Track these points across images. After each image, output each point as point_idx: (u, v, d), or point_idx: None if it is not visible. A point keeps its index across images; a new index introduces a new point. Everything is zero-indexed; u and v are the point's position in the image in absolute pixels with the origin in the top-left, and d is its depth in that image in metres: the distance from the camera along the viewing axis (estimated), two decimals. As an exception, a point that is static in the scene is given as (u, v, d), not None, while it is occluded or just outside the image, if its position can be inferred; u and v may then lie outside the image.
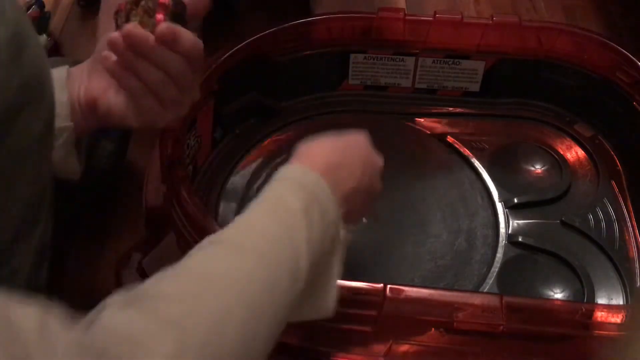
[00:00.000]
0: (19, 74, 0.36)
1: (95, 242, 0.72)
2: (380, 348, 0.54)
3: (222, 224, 0.64)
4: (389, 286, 0.52)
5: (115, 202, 0.76)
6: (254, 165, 0.74)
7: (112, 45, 0.45)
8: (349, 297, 0.52)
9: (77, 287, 0.68)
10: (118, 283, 0.56)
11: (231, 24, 0.96)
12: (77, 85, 0.48)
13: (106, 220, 0.74)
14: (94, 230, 0.73)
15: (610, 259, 0.66)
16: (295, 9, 0.93)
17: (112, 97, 0.46)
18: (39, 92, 0.38)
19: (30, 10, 0.90)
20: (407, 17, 0.76)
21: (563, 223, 0.69)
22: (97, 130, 0.50)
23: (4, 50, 0.35)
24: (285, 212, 0.42)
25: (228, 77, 0.71)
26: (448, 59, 0.78)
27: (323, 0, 0.88)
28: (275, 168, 0.73)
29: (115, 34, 0.45)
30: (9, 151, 0.37)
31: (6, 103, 0.36)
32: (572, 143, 0.77)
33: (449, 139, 0.77)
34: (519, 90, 0.80)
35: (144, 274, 0.56)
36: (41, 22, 0.91)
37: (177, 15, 0.47)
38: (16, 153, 0.38)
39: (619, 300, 0.64)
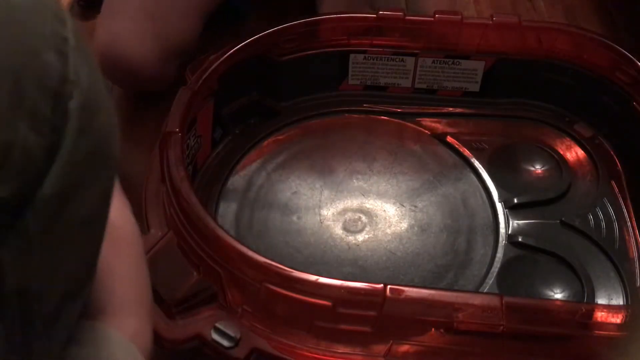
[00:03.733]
0: (85, 149, 0.33)
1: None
2: (380, 348, 0.54)
3: (222, 224, 0.64)
4: (389, 286, 0.52)
5: (115, 202, 0.76)
6: (254, 165, 0.74)
7: None
8: (349, 297, 0.52)
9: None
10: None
11: (233, 24, 0.96)
12: None
13: (106, 220, 0.74)
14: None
15: (610, 259, 0.66)
16: (295, 9, 0.93)
17: None
18: (101, 164, 0.36)
19: (30, 10, 0.90)
20: (407, 17, 0.76)
21: (563, 223, 0.69)
22: None
23: (73, 122, 0.32)
24: None
25: (228, 77, 0.71)
26: (448, 59, 0.78)
27: (325, 0, 0.88)
28: (275, 168, 0.74)
29: None
30: (58, 235, 0.33)
31: (65, 182, 0.32)
32: (572, 143, 0.77)
33: (449, 139, 0.77)
34: (519, 90, 0.80)
35: (144, 274, 0.56)
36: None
37: None
38: (64, 237, 0.34)
39: (619, 300, 0.64)
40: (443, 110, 0.80)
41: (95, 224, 0.38)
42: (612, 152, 0.75)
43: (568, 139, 0.78)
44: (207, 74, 0.68)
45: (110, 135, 0.37)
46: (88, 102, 0.33)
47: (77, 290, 0.38)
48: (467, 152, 0.75)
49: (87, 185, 0.35)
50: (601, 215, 0.70)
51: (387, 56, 0.78)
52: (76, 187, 0.33)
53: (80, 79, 0.33)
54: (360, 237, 0.68)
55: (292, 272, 0.53)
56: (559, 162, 0.75)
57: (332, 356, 0.54)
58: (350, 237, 0.68)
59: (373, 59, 0.79)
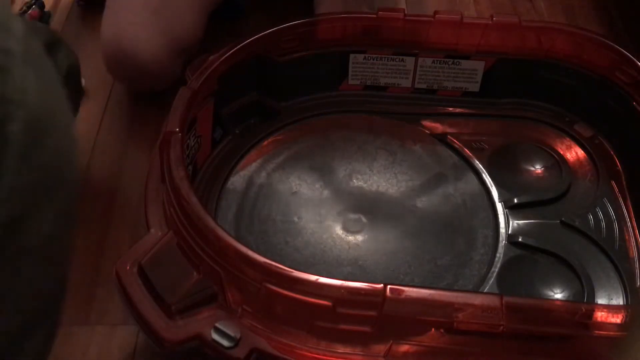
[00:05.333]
0: (31, 176, 0.30)
1: (95, 242, 0.72)
2: (380, 348, 0.54)
3: (222, 224, 0.64)
4: (389, 286, 0.52)
5: (115, 202, 0.76)
6: (254, 165, 0.74)
7: None
8: (349, 297, 0.52)
9: (77, 287, 0.68)
10: (118, 283, 0.56)
11: (233, 23, 0.96)
12: None
13: (106, 221, 0.74)
14: (94, 231, 0.73)
15: (610, 259, 0.66)
16: (295, 9, 0.93)
17: None
18: (53, 188, 0.32)
19: (30, 10, 0.90)
20: (407, 17, 0.76)
21: (563, 223, 0.69)
22: None
23: (14, 148, 0.29)
24: None
25: (228, 77, 0.71)
26: (448, 59, 0.78)
27: (325, 1, 0.88)
28: (275, 168, 0.74)
29: None
30: (7, 262, 0.31)
31: (7, 213, 0.29)
32: (572, 143, 0.77)
33: (449, 139, 0.77)
34: (519, 90, 0.80)
35: (144, 274, 0.56)
36: (41, 21, 0.91)
37: None
38: (17, 262, 0.32)
39: (619, 300, 0.64)
40: (443, 110, 0.80)
41: (53, 251, 0.34)
42: (612, 152, 0.75)
43: (568, 139, 0.78)
44: (207, 74, 0.68)
45: (65, 156, 0.33)
46: (36, 123, 0.29)
47: (36, 322, 0.35)
48: (467, 152, 0.75)
49: (39, 211, 0.31)
50: (601, 215, 0.70)
51: (387, 56, 0.78)
52: (25, 214, 0.30)
53: (26, 97, 0.29)
54: (360, 237, 0.68)
55: (292, 272, 0.53)
56: (559, 162, 0.75)
57: (332, 356, 0.54)
58: (350, 237, 0.68)
59: (373, 59, 0.79)
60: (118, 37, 0.79)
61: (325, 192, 0.72)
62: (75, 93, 0.72)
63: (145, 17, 0.79)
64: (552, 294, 0.64)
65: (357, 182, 0.73)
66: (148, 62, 0.79)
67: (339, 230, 0.69)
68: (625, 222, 0.69)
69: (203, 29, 0.86)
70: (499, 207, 0.70)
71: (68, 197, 0.34)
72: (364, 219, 0.70)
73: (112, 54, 0.80)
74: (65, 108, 0.33)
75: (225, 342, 0.53)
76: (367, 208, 0.71)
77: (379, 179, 0.74)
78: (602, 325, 0.52)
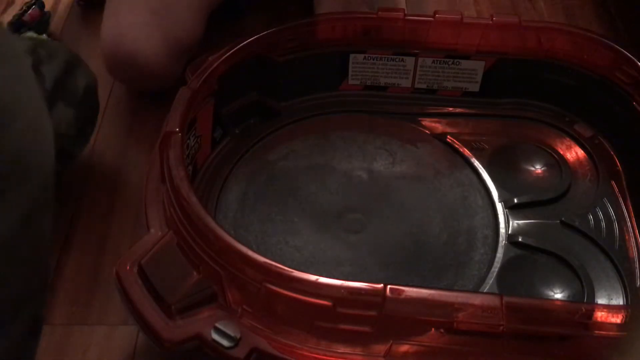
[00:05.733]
0: None
1: (94, 242, 0.72)
2: (380, 348, 0.54)
3: (222, 224, 0.64)
4: (389, 286, 0.52)
5: (115, 202, 0.76)
6: (254, 165, 0.74)
7: None
8: (349, 297, 0.52)
9: (77, 287, 0.68)
10: (118, 283, 0.56)
11: (234, 24, 0.96)
12: None
13: (106, 221, 0.74)
14: (94, 231, 0.73)
15: (610, 259, 0.66)
16: (295, 9, 0.93)
17: None
18: (16, 179, 0.31)
19: (30, 10, 0.90)
20: (407, 17, 0.76)
21: (563, 223, 0.69)
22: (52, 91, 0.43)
23: None
24: None
25: (228, 77, 0.71)
26: (448, 59, 0.78)
27: (324, 1, 0.88)
28: (276, 168, 0.74)
29: None
30: None
31: None
32: (572, 143, 0.77)
33: (449, 139, 0.77)
34: (519, 90, 0.80)
35: (144, 274, 0.56)
36: (41, 22, 0.91)
37: None
38: None
39: (619, 300, 0.64)
40: (443, 110, 0.80)
41: (19, 245, 0.33)
42: (612, 152, 0.75)
43: (568, 139, 0.78)
44: (207, 74, 0.68)
45: (31, 144, 0.32)
46: None
47: (6, 318, 0.34)
48: (467, 152, 0.75)
49: (3, 201, 0.30)
50: (601, 215, 0.70)
51: (387, 56, 0.78)
52: None
53: None
54: (360, 237, 0.68)
55: (292, 272, 0.53)
56: (559, 162, 0.75)
57: (332, 356, 0.54)
58: (350, 237, 0.68)
59: (373, 59, 0.79)
60: (118, 38, 0.79)
61: (326, 192, 0.72)
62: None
63: (145, 18, 0.79)
64: (552, 294, 0.64)
65: (357, 182, 0.73)
66: (148, 62, 0.79)
67: (339, 230, 0.69)
68: (625, 222, 0.69)
69: (203, 29, 0.86)
70: (499, 207, 0.70)
71: (37, 187, 0.33)
72: (364, 219, 0.70)
73: (112, 54, 0.80)
74: (35, 96, 0.32)
75: (225, 342, 0.53)
76: (367, 208, 0.71)
77: (379, 179, 0.74)
78: (602, 325, 0.52)
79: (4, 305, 0.34)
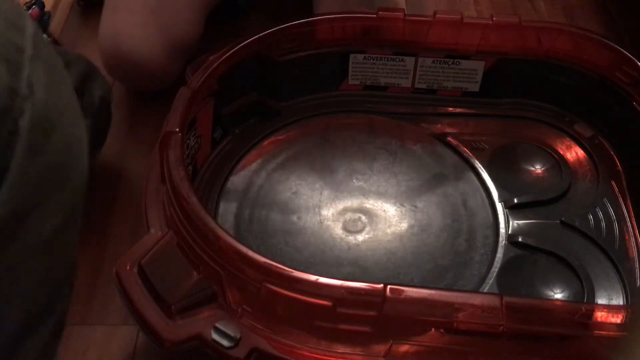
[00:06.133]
0: (37, 169, 0.30)
1: (95, 242, 0.72)
2: (380, 348, 0.54)
3: (222, 224, 0.64)
4: (389, 286, 0.52)
5: (115, 202, 0.76)
6: (254, 165, 0.74)
7: None
8: (349, 297, 0.52)
9: (77, 287, 0.68)
10: (118, 283, 0.56)
11: (233, 24, 0.96)
12: None
13: (106, 221, 0.74)
14: (94, 231, 0.73)
15: (610, 259, 0.66)
16: (295, 9, 0.93)
17: None
18: (59, 183, 0.33)
19: (30, 10, 0.90)
20: (407, 17, 0.76)
21: (563, 223, 0.69)
22: None
23: (22, 142, 0.29)
24: None
25: (228, 77, 0.71)
26: (448, 59, 0.78)
27: (324, 1, 0.88)
28: (275, 168, 0.74)
29: None
30: (11, 258, 0.31)
31: (12, 207, 0.29)
32: (572, 143, 0.77)
33: (449, 139, 0.77)
34: (519, 90, 0.80)
35: (144, 274, 0.56)
36: (41, 22, 0.91)
37: None
38: (17, 263, 0.32)
39: (619, 300, 0.64)
40: (443, 110, 0.80)
41: (57, 248, 0.34)
42: (612, 152, 0.75)
43: (568, 139, 0.78)
44: (207, 74, 0.68)
45: (70, 154, 0.33)
46: (43, 119, 0.30)
47: (39, 318, 0.35)
48: (467, 152, 0.75)
49: (43, 208, 0.31)
50: (601, 215, 0.70)
51: (387, 56, 0.78)
52: (29, 209, 0.30)
53: (34, 93, 0.29)
54: (360, 237, 0.68)
55: (292, 272, 0.53)
56: (559, 162, 0.75)
57: (332, 356, 0.54)
58: (350, 237, 0.68)
59: (373, 59, 0.79)
60: (116, 37, 0.79)
61: (325, 192, 0.72)
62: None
63: (143, 17, 0.79)
64: (552, 294, 0.64)
65: (357, 182, 0.73)
66: (146, 62, 0.79)
67: (339, 230, 0.69)
68: (625, 222, 0.69)
69: (202, 29, 0.86)
70: (499, 207, 0.70)
71: (73, 195, 0.34)
72: (364, 219, 0.70)
73: (110, 54, 0.80)
74: (74, 106, 0.33)
75: (225, 342, 0.53)
76: (367, 208, 0.71)
77: (379, 179, 0.74)
78: (602, 325, 0.52)
79: (39, 306, 0.35)
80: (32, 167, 0.30)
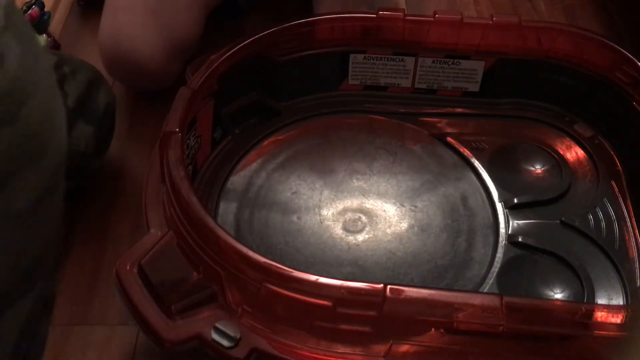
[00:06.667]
0: (8, 139, 0.31)
1: (94, 242, 0.72)
2: (380, 348, 0.54)
3: (222, 224, 0.64)
4: (389, 286, 0.52)
5: (115, 202, 0.76)
6: (254, 165, 0.74)
7: None
8: (349, 297, 0.52)
9: (77, 287, 0.68)
10: (119, 283, 0.56)
11: (234, 24, 0.96)
12: None
13: (106, 221, 0.74)
14: (94, 231, 0.73)
15: (610, 259, 0.66)
16: (295, 9, 0.93)
17: None
18: (35, 153, 0.33)
19: (30, 10, 0.90)
20: (407, 17, 0.76)
21: (563, 223, 0.69)
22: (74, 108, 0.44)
23: None
24: None
25: (228, 77, 0.71)
26: (448, 59, 0.78)
27: (324, 1, 0.88)
28: (275, 168, 0.74)
29: None
30: None
31: None
32: (572, 143, 0.77)
33: (449, 139, 0.77)
34: (519, 90, 0.80)
35: (144, 274, 0.56)
36: (41, 22, 0.91)
37: None
38: None
39: (619, 300, 0.64)
40: (443, 110, 0.80)
41: (35, 221, 0.35)
42: (612, 152, 0.75)
43: (568, 139, 0.78)
44: (207, 74, 0.68)
45: (46, 127, 0.33)
46: (13, 89, 0.30)
47: (16, 293, 0.35)
48: (467, 152, 0.75)
49: (18, 178, 0.32)
50: (601, 215, 0.70)
51: (387, 56, 0.78)
52: (2, 179, 0.31)
53: (4, 62, 0.30)
54: (360, 237, 0.68)
55: (292, 272, 0.53)
56: (559, 162, 0.75)
57: (332, 356, 0.54)
58: (350, 237, 0.68)
59: (373, 59, 0.79)
60: (116, 37, 0.79)
61: (325, 192, 0.72)
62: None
63: (143, 17, 0.79)
64: (552, 294, 0.64)
65: (357, 182, 0.73)
66: (145, 61, 0.79)
67: (339, 230, 0.69)
68: (625, 222, 0.69)
69: (201, 29, 0.86)
70: (499, 207, 0.70)
71: (52, 163, 0.34)
72: (364, 219, 0.70)
73: (110, 54, 0.80)
74: (49, 79, 0.33)
75: (225, 342, 0.53)
76: (367, 208, 0.71)
77: (379, 179, 0.74)
78: (602, 325, 0.52)
79: (15, 280, 0.35)
80: (3, 136, 0.30)
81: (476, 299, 0.53)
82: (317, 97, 0.81)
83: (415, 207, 0.71)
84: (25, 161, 0.32)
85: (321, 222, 0.69)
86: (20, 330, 0.37)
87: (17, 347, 0.37)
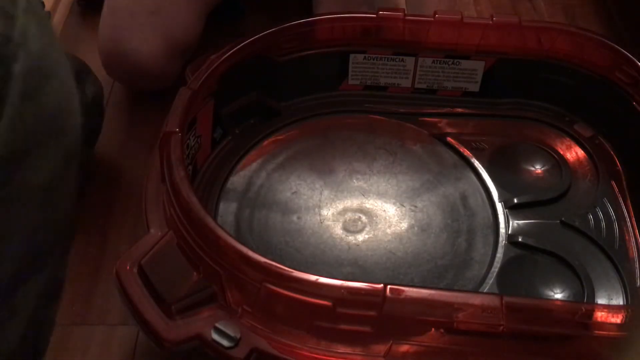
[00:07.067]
0: (33, 113, 0.32)
1: (94, 242, 0.72)
2: (380, 348, 0.54)
3: (222, 224, 0.64)
4: (389, 286, 0.52)
5: (115, 202, 0.76)
6: (254, 165, 0.74)
7: None
8: (349, 297, 0.52)
9: (77, 287, 0.68)
10: (119, 283, 0.56)
11: (233, 24, 0.96)
12: None
13: (106, 221, 0.74)
14: (94, 230, 0.73)
15: (610, 259, 0.66)
16: (295, 9, 0.93)
17: None
18: (55, 131, 0.34)
19: (30, 10, 0.90)
20: (407, 17, 0.76)
21: (563, 223, 0.69)
22: None
23: (17, 86, 0.31)
24: None
25: (228, 77, 0.71)
26: (448, 59, 0.78)
27: (324, 1, 0.88)
28: (275, 168, 0.74)
29: None
30: (8, 197, 0.32)
31: (10, 147, 0.31)
32: (572, 143, 0.77)
33: (449, 139, 0.77)
34: (519, 90, 0.80)
35: (144, 274, 0.56)
36: (41, 22, 0.91)
37: None
38: (14, 202, 0.33)
39: (619, 300, 0.64)
40: (443, 110, 0.80)
41: (54, 196, 0.36)
42: (612, 152, 0.75)
43: (568, 139, 0.78)
44: (207, 74, 0.68)
45: (65, 103, 0.35)
46: (37, 67, 0.32)
47: (30, 270, 0.36)
48: (467, 152, 0.75)
49: (39, 153, 0.33)
50: (601, 215, 0.70)
51: (387, 56, 0.78)
52: (25, 153, 0.32)
53: (28, 42, 0.31)
54: (360, 237, 0.68)
55: (292, 272, 0.53)
56: (559, 162, 0.75)
57: (332, 356, 0.54)
58: (350, 237, 0.68)
59: (373, 59, 0.79)
60: (115, 37, 0.79)
61: (325, 192, 0.72)
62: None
63: (142, 18, 0.79)
64: (552, 294, 0.64)
65: (357, 182, 0.73)
66: (144, 62, 0.79)
67: (339, 230, 0.69)
68: (625, 222, 0.69)
69: (201, 30, 0.86)
70: (499, 207, 0.70)
71: (69, 143, 0.36)
72: (364, 219, 0.70)
73: (109, 54, 0.80)
74: (63, 60, 0.35)
75: (225, 342, 0.53)
76: (367, 208, 0.71)
77: (379, 179, 0.74)
78: (602, 325, 0.52)
79: (28, 256, 0.36)
80: (28, 110, 0.31)
81: (476, 299, 0.53)
82: (317, 97, 0.81)
83: (415, 207, 0.71)
84: (46, 137, 0.33)
85: (321, 222, 0.69)
86: (32, 311, 0.37)
87: (28, 330, 0.37)
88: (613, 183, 0.73)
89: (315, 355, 0.54)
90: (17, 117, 0.31)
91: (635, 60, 0.72)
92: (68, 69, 0.36)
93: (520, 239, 0.67)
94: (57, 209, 0.37)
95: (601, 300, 0.63)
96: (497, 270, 0.65)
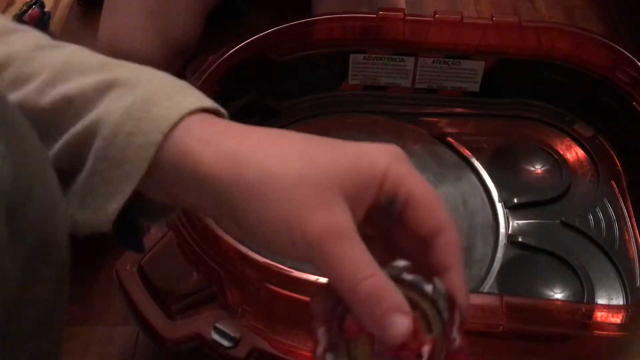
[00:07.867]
0: (21, 242, 0.29)
1: (94, 242, 0.72)
2: (380, 348, 0.54)
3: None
4: (389, 286, 0.52)
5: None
6: (254, 165, 0.74)
7: None
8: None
9: (77, 287, 0.68)
10: (119, 283, 0.56)
11: (234, 24, 0.96)
12: None
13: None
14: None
15: (610, 259, 0.66)
16: (295, 9, 0.93)
17: None
18: (45, 255, 0.33)
19: (30, 10, 0.90)
20: (407, 17, 0.76)
21: (563, 223, 0.69)
22: None
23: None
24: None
25: (228, 77, 0.71)
26: (448, 59, 0.78)
27: (323, 1, 0.88)
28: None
29: None
30: (12, 337, 0.31)
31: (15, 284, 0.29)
32: (572, 143, 0.77)
33: (449, 139, 0.77)
34: (519, 90, 0.80)
35: (144, 274, 0.56)
36: (41, 22, 0.91)
37: None
38: (19, 336, 0.32)
39: (619, 300, 0.64)
40: (443, 110, 0.80)
41: (49, 323, 0.35)
42: (612, 152, 0.75)
43: (568, 139, 0.78)
44: (207, 74, 0.68)
45: (50, 220, 0.32)
46: (12, 201, 0.28)
47: None
48: (467, 152, 0.75)
49: (34, 280, 0.32)
50: (601, 215, 0.69)
51: (387, 56, 0.78)
52: (23, 286, 0.30)
53: None
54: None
55: (292, 272, 0.53)
56: (559, 162, 0.75)
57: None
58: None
59: (373, 59, 0.79)
60: (115, 38, 0.79)
61: (325, 192, 0.72)
62: None
63: (142, 19, 0.80)
64: (552, 294, 0.64)
65: (357, 182, 0.73)
66: (145, 62, 0.79)
67: (339, 230, 0.69)
68: (625, 222, 0.69)
69: (200, 30, 0.86)
70: (499, 207, 0.70)
71: (61, 264, 0.35)
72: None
73: (109, 54, 0.80)
74: (46, 167, 0.32)
75: (225, 342, 0.53)
76: (367, 208, 0.71)
77: (379, 179, 0.73)
78: (602, 325, 0.52)
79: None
80: (17, 243, 0.29)
81: (476, 299, 0.53)
82: (317, 97, 0.81)
83: (415, 207, 0.71)
84: (38, 261, 0.32)
85: (321, 222, 0.69)
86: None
87: None
88: (613, 183, 0.73)
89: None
90: (7, 254, 0.28)
91: (635, 60, 0.72)
92: (51, 175, 0.32)
93: (520, 239, 0.67)
94: (49, 339, 0.36)
95: (601, 300, 0.63)
96: (497, 270, 0.65)
